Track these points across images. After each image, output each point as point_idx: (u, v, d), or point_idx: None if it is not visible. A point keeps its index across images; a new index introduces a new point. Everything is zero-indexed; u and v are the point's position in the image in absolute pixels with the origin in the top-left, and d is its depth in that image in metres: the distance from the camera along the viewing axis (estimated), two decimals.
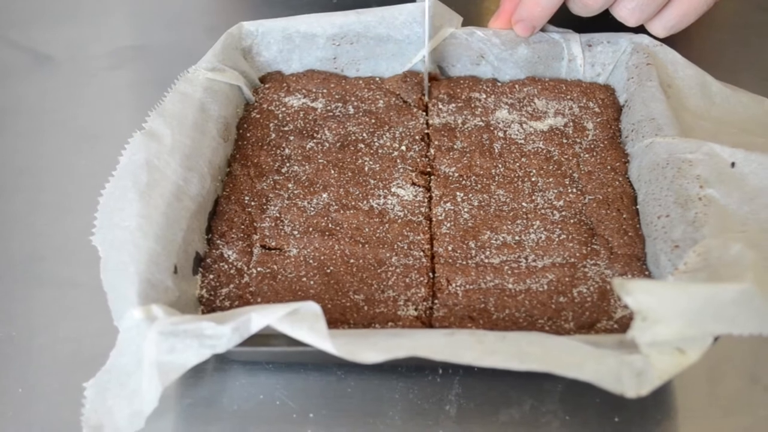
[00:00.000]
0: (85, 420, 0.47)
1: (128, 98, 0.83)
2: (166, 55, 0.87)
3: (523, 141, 0.67)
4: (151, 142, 0.58)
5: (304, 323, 0.46)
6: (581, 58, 0.72)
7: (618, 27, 0.71)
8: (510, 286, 0.55)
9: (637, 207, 0.60)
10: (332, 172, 0.64)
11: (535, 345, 0.45)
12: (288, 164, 0.65)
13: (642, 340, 0.44)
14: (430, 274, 0.57)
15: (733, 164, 0.57)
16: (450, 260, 0.57)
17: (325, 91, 0.72)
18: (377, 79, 0.74)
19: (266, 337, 0.48)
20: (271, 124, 0.69)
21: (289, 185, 0.63)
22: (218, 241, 0.58)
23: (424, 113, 0.70)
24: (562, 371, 0.44)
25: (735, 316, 0.43)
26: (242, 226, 0.59)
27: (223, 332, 0.46)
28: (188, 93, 0.65)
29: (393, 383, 0.55)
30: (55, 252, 0.66)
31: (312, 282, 0.56)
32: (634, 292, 0.43)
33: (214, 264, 0.57)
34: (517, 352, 0.45)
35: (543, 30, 0.73)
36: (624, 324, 0.52)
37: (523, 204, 0.61)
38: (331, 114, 0.70)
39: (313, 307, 0.46)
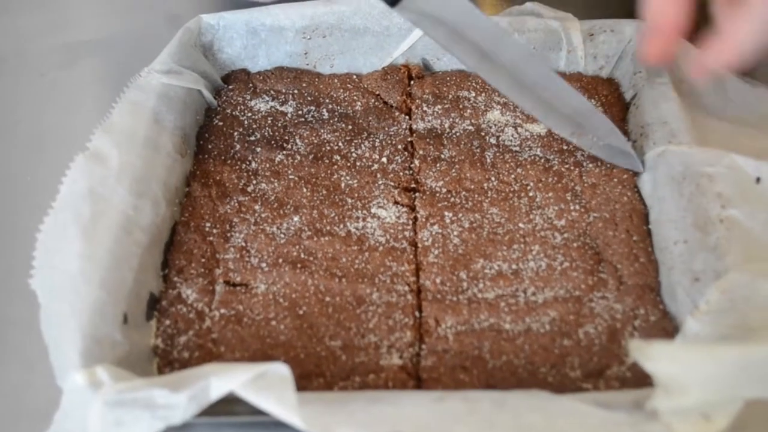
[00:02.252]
0: None
1: (83, 99, 0.75)
2: (125, 49, 0.79)
3: (518, 148, 0.60)
4: (95, 166, 0.51)
5: (270, 391, 0.40)
6: (582, 48, 0.65)
7: None
8: (507, 326, 0.49)
9: (649, 227, 0.54)
10: (304, 190, 0.57)
11: (537, 412, 0.40)
12: (255, 181, 0.58)
13: (664, 408, 0.38)
14: (417, 314, 0.50)
15: (758, 180, 0.50)
16: (438, 296, 0.50)
17: (296, 91, 0.65)
18: (354, 76, 0.66)
19: (229, 402, 0.41)
20: (236, 133, 0.61)
21: (256, 207, 0.56)
22: (175, 279, 0.51)
23: (407, 117, 0.63)
24: None
25: None
26: (203, 260, 0.52)
27: (178, 402, 0.41)
28: (139, 102, 0.57)
29: None
30: None
31: (282, 326, 0.49)
32: (655, 360, 0.38)
33: (170, 306, 0.50)
34: (516, 425, 0.39)
35: (539, 15, 0.65)
36: (638, 371, 0.46)
37: (520, 225, 0.54)
38: (303, 119, 0.62)
39: (281, 370, 0.40)
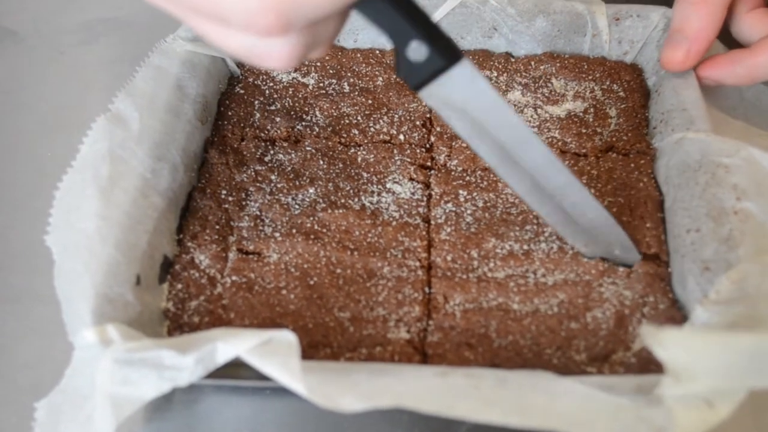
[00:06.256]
0: None
1: (102, 78, 0.74)
2: (144, 28, 0.78)
3: (536, 129, 0.59)
4: (116, 129, 0.52)
5: (275, 357, 0.40)
6: (607, 32, 0.64)
7: None
8: (515, 306, 0.49)
9: (662, 215, 0.53)
10: (321, 162, 0.57)
11: (539, 393, 0.40)
12: (272, 151, 0.58)
13: (671, 395, 0.38)
14: (426, 290, 0.50)
15: None
16: (449, 273, 0.51)
17: (318, 64, 0.65)
18: (377, 51, 0.66)
19: (235, 366, 0.42)
20: (256, 102, 0.62)
21: (273, 177, 0.56)
22: (189, 244, 0.52)
23: None
24: (569, 428, 0.38)
25: None
26: (217, 227, 0.53)
27: (185, 364, 0.41)
28: (163, 68, 0.58)
29: (395, 417, 0.48)
30: (13, 259, 0.58)
31: (292, 295, 0.49)
32: (668, 346, 0.37)
33: (183, 271, 0.51)
34: (518, 403, 0.39)
35: None
36: (642, 357, 0.46)
37: None
38: (324, 92, 0.63)
39: (287, 338, 0.40)
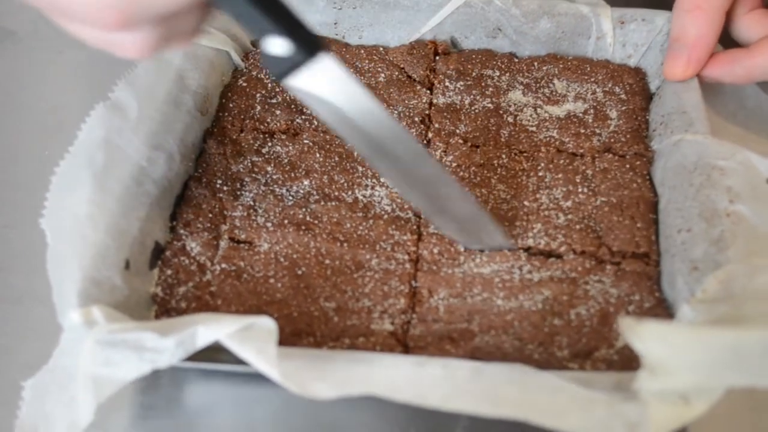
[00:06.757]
0: (20, 425, 0.42)
1: (101, 77, 0.69)
2: None
3: (534, 128, 0.59)
4: (114, 117, 0.52)
5: (253, 343, 0.41)
6: (611, 35, 0.64)
7: None
8: (499, 302, 0.49)
9: (656, 216, 0.53)
10: (317, 155, 0.57)
11: (514, 385, 0.40)
12: (270, 143, 0.58)
13: (647, 389, 0.38)
14: (412, 283, 0.50)
15: None
16: (434, 267, 0.51)
17: None
18: (381, 49, 0.66)
19: (216, 350, 0.42)
20: (258, 95, 0.62)
21: (269, 168, 0.56)
22: (182, 231, 0.52)
23: (429, 91, 0.63)
24: (541, 420, 0.38)
25: (762, 367, 0.36)
26: (210, 215, 0.53)
27: (166, 346, 0.41)
28: (166, 59, 0.58)
29: (390, 414, 0.48)
30: (14, 260, 0.58)
31: (280, 284, 0.50)
32: (645, 339, 0.37)
33: (174, 257, 0.51)
34: (490, 394, 0.39)
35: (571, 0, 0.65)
36: (625, 355, 0.45)
37: (525, 203, 0.54)
38: None
39: (267, 324, 0.41)
